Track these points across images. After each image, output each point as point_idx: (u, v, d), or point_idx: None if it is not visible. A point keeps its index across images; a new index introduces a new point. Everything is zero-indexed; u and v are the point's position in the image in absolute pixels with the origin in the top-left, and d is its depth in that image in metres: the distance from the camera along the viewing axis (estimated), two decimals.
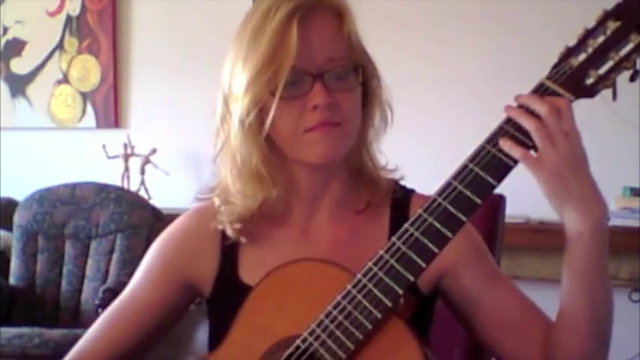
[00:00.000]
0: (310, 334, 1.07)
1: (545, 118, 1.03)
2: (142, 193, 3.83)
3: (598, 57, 1.06)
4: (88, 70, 4.12)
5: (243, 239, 1.24)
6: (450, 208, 1.06)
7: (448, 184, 1.07)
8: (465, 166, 1.07)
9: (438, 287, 1.24)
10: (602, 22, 1.06)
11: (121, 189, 3.76)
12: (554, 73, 1.07)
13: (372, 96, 1.22)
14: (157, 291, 1.27)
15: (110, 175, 3.86)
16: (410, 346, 1.06)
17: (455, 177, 1.07)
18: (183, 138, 3.85)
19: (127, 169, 3.90)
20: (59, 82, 4.18)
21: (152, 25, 4.03)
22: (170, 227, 1.31)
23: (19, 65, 4.25)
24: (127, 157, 3.89)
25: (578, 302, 1.10)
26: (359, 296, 1.06)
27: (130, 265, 3.42)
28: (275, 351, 1.10)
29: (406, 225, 1.08)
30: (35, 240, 3.63)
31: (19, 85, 4.25)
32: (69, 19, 4.14)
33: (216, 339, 1.19)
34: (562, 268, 1.11)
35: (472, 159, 1.07)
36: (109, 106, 4.08)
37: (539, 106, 1.04)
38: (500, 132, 1.06)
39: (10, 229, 3.71)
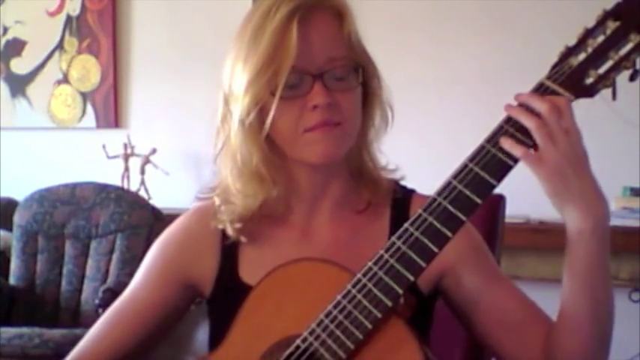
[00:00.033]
0: (310, 333, 1.07)
1: (546, 116, 1.03)
2: (142, 193, 3.83)
3: (598, 57, 1.06)
4: (88, 70, 4.12)
5: (243, 239, 1.24)
6: (450, 207, 1.06)
7: (448, 184, 1.07)
8: (464, 166, 1.07)
9: (438, 287, 1.24)
10: (601, 22, 1.06)
11: (121, 189, 3.76)
12: (554, 73, 1.07)
13: (372, 96, 1.22)
14: (158, 291, 1.27)
15: (110, 175, 3.86)
16: (410, 345, 1.06)
17: (455, 176, 1.07)
18: (183, 138, 3.85)
19: (127, 169, 3.90)
20: (59, 82, 4.18)
21: (152, 25, 4.02)
22: (170, 227, 1.32)
23: (19, 65, 4.25)
24: (127, 157, 3.89)
25: (579, 302, 1.10)
26: (359, 296, 1.06)
27: (130, 265, 3.42)
28: (275, 350, 1.10)
29: (406, 225, 1.08)
30: (35, 240, 3.63)
31: (19, 85, 4.25)
32: (69, 19, 4.14)
33: (216, 339, 1.19)
34: (563, 268, 1.11)
35: (472, 158, 1.07)
36: (109, 106, 4.08)
37: (540, 105, 1.04)
38: (500, 131, 1.06)
39: (10, 229, 3.71)
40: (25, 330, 3.19)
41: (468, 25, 3.42)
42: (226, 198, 1.24)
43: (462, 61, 3.43)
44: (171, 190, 3.76)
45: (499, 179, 1.06)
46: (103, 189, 3.65)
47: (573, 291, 1.11)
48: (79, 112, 4.15)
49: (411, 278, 1.06)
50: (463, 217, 1.06)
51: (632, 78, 1.06)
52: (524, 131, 1.05)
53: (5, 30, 4.25)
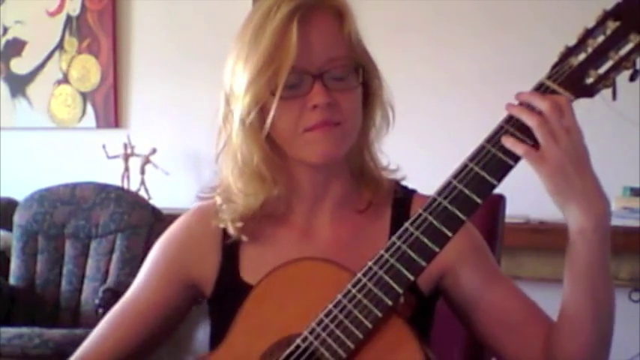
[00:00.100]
0: (310, 333, 1.08)
1: (547, 114, 1.03)
2: (142, 193, 3.83)
3: (598, 57, 1.06)
4: (88, 70, 4.12)
5: (244, 238, 1.24)
6: (450, 207, 1.06)
7: (448, 184, 1.07)
8: (465, 166, 1.07)
9: (438, 287, 1.24)
10: (601, 22, 1.06)
11: (121, 189, 3.76)
12: (554, 73, 1.07)
13: (373, 96, 1.23)
14: (160, 291, 1.28)
15: (110, 175, 3.86)
16: (410, 345, 1.06)
17: (455, 176, 1.07)
18: (183, 138, 3.85)
19: (127, 169, 3.90)
20: (59, 82, 4.18)
21: (152, 25, 4.02)
22: (172, 227, 1.32)
23: (19, 65, 4.25)
24: (127, 157, 3.89)
25: (580, 302, 1.10)
26: (359, 295, 1.07)
27: (130, 265, 3.42)
28: (275, 350, 1.11)
29: (406, 224, 1.08)
30: (35, 240, 3.63)
31: (19, 85, 4.25)
32: (69, 19, 4.14)
33: (217, 338, 1.19)
34: (563, 268, 1.11)
35: (472, 158, 1.07)
36: (109, 106, 4.08)
37: (541, 103, 1.04)
38: (500, 131, 1.06)
39: (10, 229, 3.71)
40: (25, 330, 3.19)
41: (468, 26, 3.42)
42: (228, 197, 1.24)
43: (461, 62, 3.43)
44: (171, 190, 3.77)
45: (499, 179, 1.06)
46: (103, 189, 3.65)
47: (574, 290, 1.11)
48: (79, 112, 4.15)
49: (411, 278, 1.06)
50: (463, 217, 1.06)
51: (632, 78, 1.06)
52: (524, 130, 1.05)
53: (5, 30, 4.25)
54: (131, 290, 1.30)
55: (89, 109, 4.13)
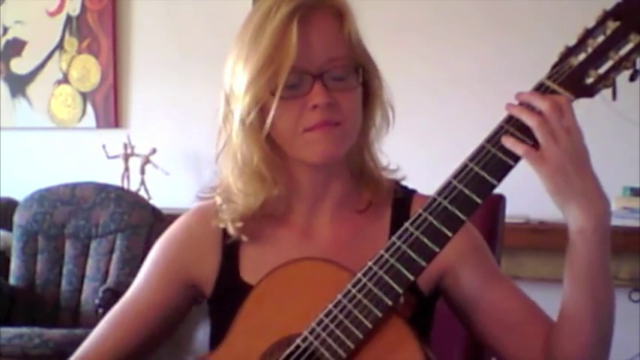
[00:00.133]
0: (310, 332, 1.08)
1: (547, 114, 1.03)
2: (142, 193, 3.83)
3: (598, 57, 1.06)
4: (88, 70, 4.12)
5: (244, 238, 1.24)
6: (450, 207, 1.06)
7: (448, 184, 1.07)
8: (465, 166, 1.07)
9: (438, 287, 1.24)
10: (601, 22, 1.06)
11: (121, 189, 3.76)
12: (554, 73, 1.07)
13: (373, 96, 1.23)
14: (160, 291, 1.28)
15: (110, 175, 3.86)
16: (410, 345, 1.06)
17: (455, 176, 1.07)
18: (183, 138, 3.85)
19: (127, 169, 3.90)
20: (59, 82, 4.18)
21: (152, 25, 4.02)
22: (172, 227, 1.32)
23: (19, 65, 4.25)
24: (127, 157, 3.89)
25: (579, 302, 1.10)
26: (359, 295, 1.07)
27: (129, 265, 3.42)
28: (275, 350, 1.11)
29: (406, 224, 1.08)
30: (35, 240, 3.63)
31: (19, 85, 4.25)
32: (69, 19, 4.14)
33: (217, 338, 1.19)
34: (563, 268, 1.11)
35: (472, 158, 1.07)
36: (109, 106, 4.08)
37: (541, 103, 1.04)
38: (500, 131, 1.06)
39: (10, 229, 3.71)
40: (25, 330, 3.19)
41: (468, 26, 3.42)
42: (228, 197, 1.24)
43: (462, 62, 3.43)
44: (171, 190, 3.77)
45: (499, 179, 1.06)
46: (103, 189, 3.65)
47: (574, 291, 1.10)
48: (79, 112, 4.15)
49: (411, 278, 1.06)
50: (463, 217, 1.06)
51: (632, 78, 1.06)
52: (524, 130, 1.05)
53: (5, 30, 4.25)
54: (131, 290, 1.30)
55: (89, 109, 4.13)
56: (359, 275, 1.08)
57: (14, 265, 3.62)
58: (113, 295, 3.09)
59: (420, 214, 1.07)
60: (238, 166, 1.21)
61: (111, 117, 4.08)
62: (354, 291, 1.07)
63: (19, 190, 3.84)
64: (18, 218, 3.67)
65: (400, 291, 1.06)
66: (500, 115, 1.08)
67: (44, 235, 3.62)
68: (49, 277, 3.58)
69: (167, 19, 3.99)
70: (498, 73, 3.29)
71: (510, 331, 1.19)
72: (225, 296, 1.25)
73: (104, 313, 1.30)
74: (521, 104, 1.06)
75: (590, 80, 1.06)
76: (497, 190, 1.07)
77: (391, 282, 1.06)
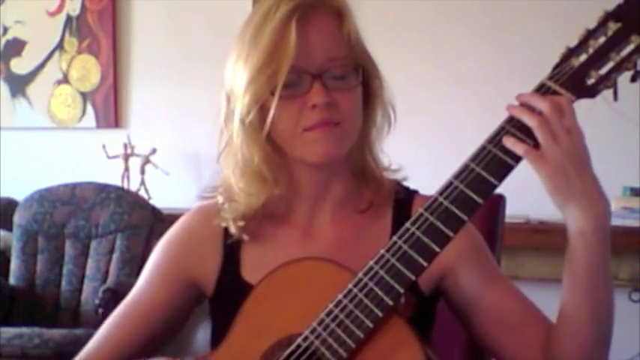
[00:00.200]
0: (311, 332, 1.08)
1: (548, 114, 1.03)
2: (142, 193, 3.83)
3: (599, 58, 1.06)
4: (88, 70, 4.12)
5: (246, 237, 1.24)
6: (451, 207, 1.06)
7: (449, 184, 1.07)
8: (466, 166, 1.07)
9: (439, 287, 1.24)
10: (602, 23, 1.06)
11: (121, 189, 3.77)
12: (556, 74, 1.07)
13: (373, 96, 1.23)
14: (162, 291, 1.28)
15: (110, 175, 3.86)
16: (411, 345, 1.06)
17: (456, 176, 1.07)
18: (183, 138, 3.85)
19: (127, 169, 3.90)
20: (59, 82, 4.18)
21: (152, 25, 4.03)
22: (173, 227, 1.32)
23: (19, 65, 4.25)
24: (127, 157, 3.90)
25: (579, 302, 1.10)
26: (360, 295, 1.07)
27: (130, 265, 3.42)
28: (276, 349, 1.11)
29: (407, 224, 1.08)
30: (35, 240, 3.63)
31: (19, 85, 4.25)
32: (69, 19, 4.14)
33: (218, 338, 1.19)
34: (563, 268, 1.11)
35: (473, 159, 1.07)
36: (109, 106, 4.08)
37: (541, 103, 1.04)
38: (501, 132, 1.06)
39: (10, 229, 3.71)
40: (25, 330, 3.20)
41: (468, 26, 3.43)
42: (230, 196, 1.24)
43: (462, 62, 3.44)
44: (171, 190, 3.77)
45: (500, 179, 1.06)
46: (103, 189, 3.65)
47: (574, 291, 1.10)
48: (79, 112, 4.15)
49: (412, 277, 1.06)
50: (464, 217, 1.06)
51: (633, 79, 1.06)
52: (525, 131, 1.05)
53: (5, 30, 4.25)
54: (133, 291, 1.30)
55: (89, 109, 4.13)
56: (360, 275, 1.08)
57: (14, 265, 3.62)
58: (113, 295, 3.10)
59: (421, 214, 1.07)
60: (239, 166, 1.21)
61: (111, 117, 4.08)
62: (355, 291, 1.07)
63: (19, 190, 3.84)
64: (18, 218, 3.67)
65: (401, 291, 1.06)
66: (501, 116, 1.08)
67: (44, 235, 3.62)
68: (49, 277, 3.58)
69: (167, 19, 3.99)
70: (498, 73, 3.30)
71: (509, 332, 1.19)
72: (226, 295, 1.25)
73: (104, 313, 1.30)
74: (521, 105, 1.06)
75: (591, 81, 1.06)
76: (497, 190, 1.07)
77: (392, 282, 1.06)
